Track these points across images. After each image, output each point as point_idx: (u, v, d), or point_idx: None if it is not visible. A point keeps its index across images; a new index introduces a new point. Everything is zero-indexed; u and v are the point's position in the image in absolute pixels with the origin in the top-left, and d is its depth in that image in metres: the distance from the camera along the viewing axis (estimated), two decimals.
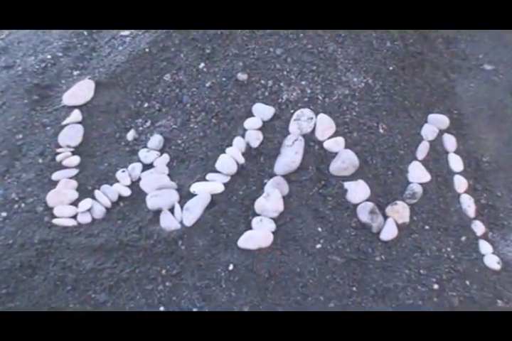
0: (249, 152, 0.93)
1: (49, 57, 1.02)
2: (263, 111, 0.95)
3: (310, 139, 0.93)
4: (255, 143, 0.94)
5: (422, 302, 0.79)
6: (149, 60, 1.00)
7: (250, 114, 0.96)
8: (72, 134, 0.94)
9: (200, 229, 0.86)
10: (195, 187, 0.90)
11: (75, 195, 0.90)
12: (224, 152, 0.93)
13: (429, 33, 1.06)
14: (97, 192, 0.91)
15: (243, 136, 0.94)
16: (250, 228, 0.87)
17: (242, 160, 0.93)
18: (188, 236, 0.85)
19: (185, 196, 0.90)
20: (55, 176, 0.91)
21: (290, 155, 0.91)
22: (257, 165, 0.93)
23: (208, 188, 0.90)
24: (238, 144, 0.94)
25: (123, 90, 1.00)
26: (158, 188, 0.90)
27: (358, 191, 0.89)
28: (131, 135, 0.98)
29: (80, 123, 0.96)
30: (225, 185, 0.91)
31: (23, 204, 0.87)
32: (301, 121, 0.93)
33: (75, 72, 1.02)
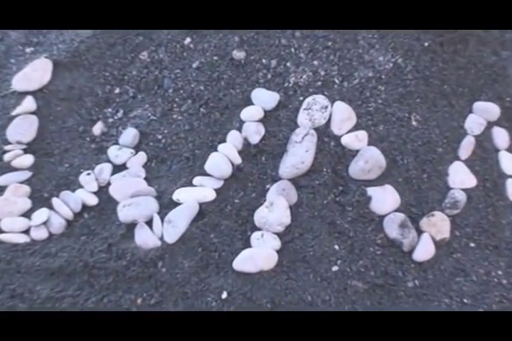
0: (247, 150, 0.96)
1: None
2: (265, 99, 0.97)
3: (324, 134, 0.95)
4: (255, 139, 0.96)
5: None
6: (121, 35, 1.02)
7: (249, 102, 0.98)
8: (24, 127, 0.95)
9: (185, 247, 0.88)
10: (179, 195, 0.92)
11: (28, 203, 0.91)
12: (215, 150, 0.95)
13: None
14: (55, 201, 0.92)
15: (240, 129, 0.97)
16: (249, 246, 0.89)
17: (238, 160, 0.95)
18: (171, 256, 0.87)
19: (166, 205, 0.92)
20: (2, 180, 0.92)
21: (299, 154, 0.93)
22: (258, 167, 0.96)
23: (195, 195, 0.92)
24: (233, 140, 0.96)
25: (88, 72, 1.02)
26: (132, 195, 0.92)
27: (384, 199, 0.91)
28: (98, 128, 1.00)
29: (33, 113, 0.97)
30: (217, 191, 0.93)
31: None
32: (313, 110, 0.96)
33: (28, 49, 1.03)
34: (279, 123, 0.97)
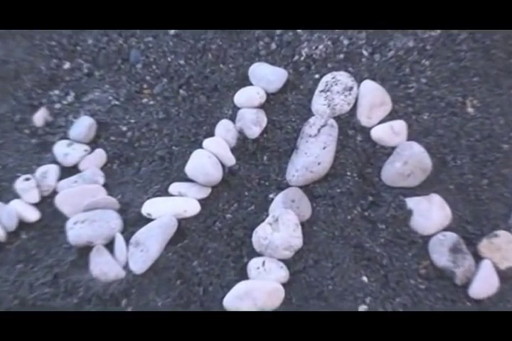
0: (243, 146, 0.97)
1: None
2: (267, 77, 0.98)
3: (348, 124, 0.96)
4: (254, 132, 0.96)
5: None
6: None
7: (245, 82, 0.99)
8: None
9: (158, 279, 0.88)
10: (151, 207, 0.93)
11: None
12: (200, 146, 0.96)
13: None
14: None
15: (233, 118, 0.98)
16: (245, 277, 0.88)
17: (231, 160, 0.96)
18: (139, 292, 0.87)
19: (133, 222, 0.92)
20: None
21: (314, 153, 0.93)
22: (258, 170, 0.97)
23: (172, 209, 0.92)
24: (224, 133, 0.97)
25: (27, 40, 1.03)
26: (86, 208, 0.92)
27: (430, 214, 0.91)
28: (40, 117, 1.00)
29: None
30: (202, 202, 0.93)
31: None
32: (333, 93, 0.96)
33: None
34: (287, 111, 0.98)
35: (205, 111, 1.00)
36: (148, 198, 0.94)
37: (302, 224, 0.91)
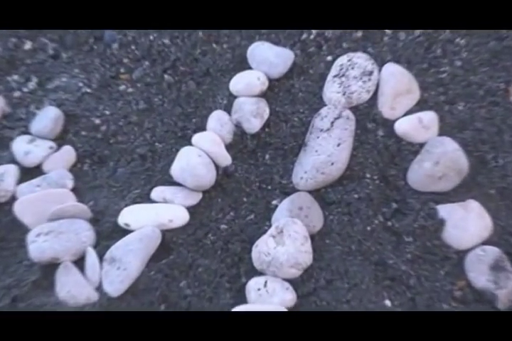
0: (241, 143, 0.97)
1: None
2: (269, 59, 0.98)
3: (368, 116, 0.95)
4: (253, 125, 0.96)
5: None
6: None
7: (243, 65, 0.99)
8: None
9: (139, 303, 0.87)
10: (129, 216, 0.92)
11: None
12: (189, 143, 0.95)
13: None
14: None
15: (228, 109, 0.98)
16: (244, 300, 0.88)
17: (226, 159, 0.96)
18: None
19: (107, 234, 0.92)
20: None
21: (326, 150, 0.92)
22: (258, 171, 0.97)
23: (155, 218, 0.91)
24: (218, 127, 0.97)
25: None
26: (51, 218, 0.91)
27: (466, 224, 0.89)
28: None
29: None
30: (191, 210, 0.93)
31: None
32: (349, 78, 0.95)
33: None
34: (294, 100, 0.98)
35: (194, 101, 1.00)
36: (126, 205, 0.94)
37: (312, 237, 0.90)
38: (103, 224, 0.93)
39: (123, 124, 0.99)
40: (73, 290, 0.88)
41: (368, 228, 0.92)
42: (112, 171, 0.98)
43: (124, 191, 0.96)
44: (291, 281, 0.88)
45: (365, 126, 0.96)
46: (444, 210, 0.92)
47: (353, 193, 0.93)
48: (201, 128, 0.98)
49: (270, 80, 0.98)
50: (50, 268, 0.89)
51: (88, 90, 1.01)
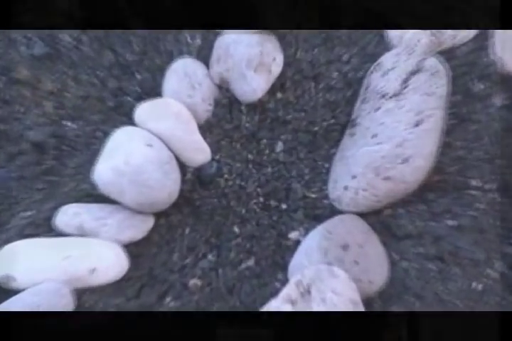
0: (227, 120, 0.76)
1: None
2: None
3: (471, 68, 0.73)
4: (252, 87, 0.75)
5: None
6: None
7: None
8: None
9: None
10: (14, 263, 0.73)
11: None
12: (128, 120, 0.77)
13: None
14: None
15: (203, 54, 0.78)
16: None
17: (200, 151, 0.77)
18: None
19: None
20: None
21: (394, 134, 0.69)
22: (259, 171, 0.78)
23: (63, 267, 0.71)
24: (184, 88, 0.76)
25: None
26: None
27: None
28: None
29: None
30: (134, 251, 0.73)
31: None
32: None
33: None
34: (329, 38, 0.78)
35: (141, 40, 0.77)
36: (7, 240, 0.71)
37: (368, 302, 0.69)
38: None
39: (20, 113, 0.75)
40: None
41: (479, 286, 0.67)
42: None
43: (3, 213, 0.73)
44: None
45: (469, 86, 0.73)
46: None
47: (446, 218, 0.68)
48: (152, 91, 0.76)
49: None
50: None
51: None
